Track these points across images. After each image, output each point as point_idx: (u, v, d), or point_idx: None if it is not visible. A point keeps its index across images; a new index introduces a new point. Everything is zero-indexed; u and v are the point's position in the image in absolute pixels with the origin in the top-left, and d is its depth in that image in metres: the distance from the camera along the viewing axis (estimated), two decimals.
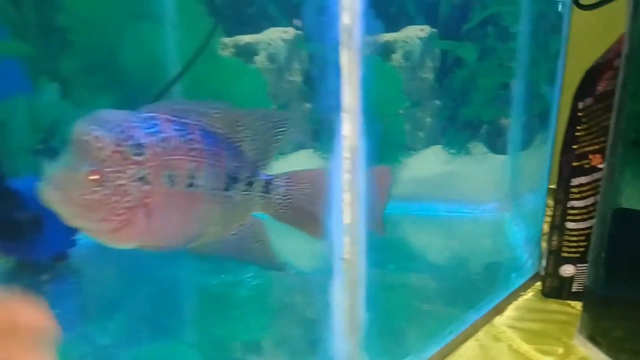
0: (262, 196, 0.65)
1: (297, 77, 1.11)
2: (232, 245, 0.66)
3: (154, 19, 1.06)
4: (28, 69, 0.98)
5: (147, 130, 0.57)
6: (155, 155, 0.56)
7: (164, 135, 0.57)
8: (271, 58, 1.08)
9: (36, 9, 0.96)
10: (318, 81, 0.56)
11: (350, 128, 0.54)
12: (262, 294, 0.82)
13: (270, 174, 0.67)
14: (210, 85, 1.05)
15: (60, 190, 0.54)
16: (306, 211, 0.67)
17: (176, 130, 0.58)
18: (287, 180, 0.67)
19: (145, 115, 0.58)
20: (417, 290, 0.82)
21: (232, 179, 0.63)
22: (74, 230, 0.94)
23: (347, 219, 0.57)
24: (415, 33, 0.90)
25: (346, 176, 0.56)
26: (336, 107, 0.53)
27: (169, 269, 0.92)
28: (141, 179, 0.56)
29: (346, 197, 0.57)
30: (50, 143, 1.02)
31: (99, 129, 0.54)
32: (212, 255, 0.68)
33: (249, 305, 0.82)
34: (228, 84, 1.06)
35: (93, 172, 0.54)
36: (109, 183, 0.55)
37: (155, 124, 0.58)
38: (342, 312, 0.61)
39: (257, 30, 1.06)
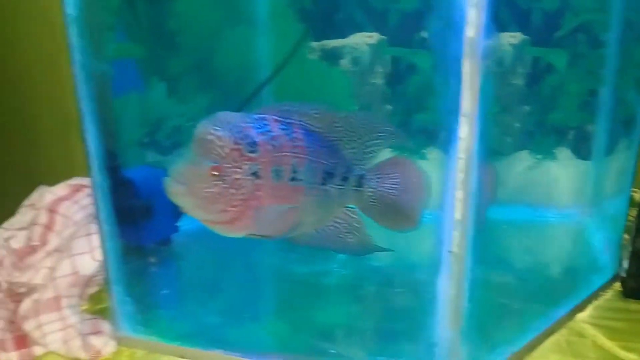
0: (355, 190, 0.71)
1: (379, 80, 1.14)
2: (328, 236, 0.72)
3: (249, 24, 1.11)
4: (141, 69, 1.05)
5: (259, 130, 0.63)
6: (266, 152, 0.63)
7: (273, 134, 0.64)
8: (355, 61, 1.11)
9: (150, 15, 1.03)
10: (439, 87, 0.61)
11: (467, 131, 0.59)
12: (368, 280, 0.87)
13: (362, 168, 0.72)
14: (298, 86, 1.09)
15: (184, 184, 0.61)
16: (394, 202, 0.72)
17: (282, 129, 0.65)
18: (377, 173, 0.72)
19: (256, 116, 0.65)
20: (507, 288, 0.86)
21: (329, 174, 0.68)
22: (177, 217, 1.02)
23: (458, 215, 0.63)
24: (507, 40, 0.94)
25: (460, 175, 0.61)
26: (455, 112, 0.58)
27: (263, 255, 0.99)
28: (254, 173, 0.62)
29: (458, 194, 0.62)
30: (156, 137, 1.11)
31: (220, 129, 0.61)
32: (309, 245, 0.73)
33: (353, 291, 0.88)
34: (314, 86, 1.10)
35: (214, 168, 0.61)
36: (227, 177, 0.61)
37: (266, 124, 0.64)
38: (447, 301, 0.66)
39: (344, 35, 1.09)
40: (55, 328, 0.80)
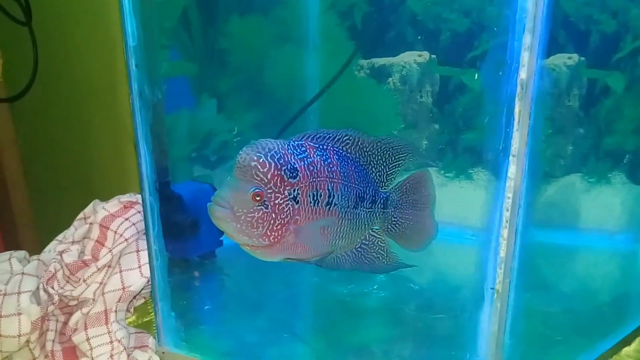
0: (381, 212, 0.73)
1: (427, 99, 1.13)
2: (357, 258, 0.74)
3: (298, 42, 1.12)
4: (194, 86, 1.09)
5: (299, 156, 0.65)
6: (305, 177, 0.65)
7: (310, 160, 0.66)
8: (404, 80, 1.10)
9: (203, 34, 1.06)
10: (489, 125, 0.60)
11: (515, 170, 0.58)
12: (407, 303, 0.87)
13: (386, 191, 0.74)
14: (345, 104, 1.10)
15: (229, 210, 0.63)
16: (413, 218, 0.75)
17: (319, 155, 0.67)
18: (398, 193, 0.75)
19: (295, 143, 0.67)
20: (551, 319, 0.84)
21: (360, 198, 0.71)
22: (222, 231, 1.04)
23: (502, 252, 0.61)
24: (563, 61, 0.91)
25: (506, 214, 0.60)
26: (505, 151, 0.57)
27: (304, 273, 1.00)
28: (293, 198, 0.64)
29: (504, 232, 0.61)
30: (204, 152, 1.13)
31: (262, 155, 0.62)
32: (339, 269, 0.74)
33: (392, 314, 0.88)
34: (361, 103, 1.10)
35: (257, 193, 0.62)
36: (268, 202, 0.63)
37: (304, 151, 0.66)
38: (489, 337, 0.65)
39: (393, 53, 1.09)
40: (103, 341, 0.83)
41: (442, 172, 1.06)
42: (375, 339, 0.85)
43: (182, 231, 0.96)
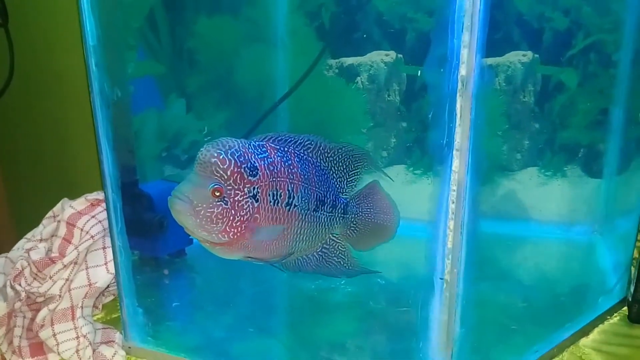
0: (342, 217, 0.76)
1: (395, 98, 1.15)
2: (318, 261, 0.77)
3: (267, 42, 1.14)
4: (161, 86, 1.09)
5: (260, 156, 0.67)
6: (265, 176, 0.66)
7: (271, 160, 0.67)
8: (371, 79, 1.12)
9: (171, 34, 1.07)
10: (433, 122, 0.63)
11: (459, 164, 0.60)
12: (360, 301, 0.89)
13: (346, 197, 0.77)
14: (314, 103, 1.12)
15: (188, 204, 0.64)
16: (371, 226, 0.78)
17: (279, 156, 0.69)
18: (357, 200, 0.78)
19: (257, 143, 0.69)
20: (507, 309, 0.86)
21: (321, 201, 0.73)
22: None
23: (449, 243, 0.64)
24: (518, 58, 0.94)
25: (452, 206, 0.62)
26: (448, 145, 0.60)
27: (273, 270, 1.01)
28: (253, 196, 0.66)
29: (450, 224, 0.63)
30: (174, 151, 1.14)
31: (223, 152, 0.64)
32: (300, 271, 0.77)
33: (348, 311, 0.90)
34: (330, 102, 1.12)
35: (217, 189, 0.64)
36: (228, 199, 0.64)
37: (265, 151, 0.68)
38: (439, 326, 0.68)
39: (361, 52, 1.10)
40: (69, 337, 0.83)
41: (411, 169, 1.09)
42: (336, 333, 0.86)
43: (151, 229, 0.96)
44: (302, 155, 0.71)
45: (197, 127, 1.12)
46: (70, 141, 1.51)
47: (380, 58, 1.11)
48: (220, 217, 0.64)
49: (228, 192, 0.64)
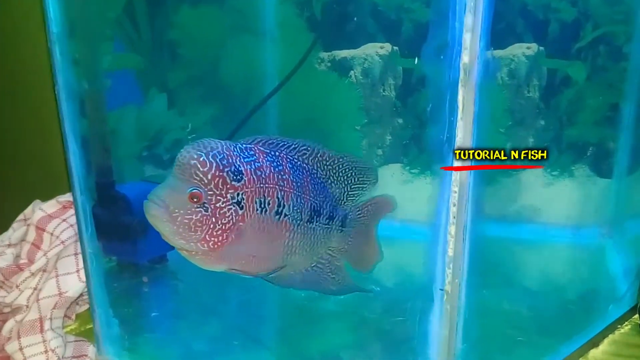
0: (339, 230, 0.69)
1: (390, 92, 1.09)
2: (311, 277, 0.70)
3: (255, 33, 1.08)
4: (140, 80, 1.04)
5: (246, 160, 0.61)
6: (251, 182, 0.60)
7: (258, 164, 0.61)
8: (365, 73, 1.07)
9: (150, 25, 1.01)
10: (433, 116, 0.56)
11: (461, 162, 0.54)
12: (353, 311, 0.83)
13: (345, 209, 0.70)
14: (305, 99, 1.06)
15: (164, 209, 0.58)
16: (366, 240, 0.71)
17: (269, 161, 0.63)
18: (358, 213, 0.71)
19: (244, 146, 0.62)
20: (512, 319, 0.80)
21: (316, 212, 0.66)
22: None
23: (450, 251, 0.57)
24: (522, 51, 0.88)
25: (453, 209, 0.56)
26: (449, 142, 0.53)
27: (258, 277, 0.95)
28: (237, 203, 0.60)
29: (451, 229, 0.56)
30: (155, 150, 1.08)
31: (204, 154, 0.58)
32: (291, 287, 0.71)
33: (340, 321, 0.83)
34: (322, 98, 1.07)
35: (194, 194, 0.58)
36: (208, 205, 0.58)
37: (252, 154, 0.62)
38: (439, 341, 0.61)
39: (354, 45, 1.06)
40: (37, 351, 0.77)
41: (407, 168, 1.04)
42: (328, 345, 0.81)
43: (129, 234, 0.90)
44: (296, 161, 0.65)
45: (179, 125, 1.08)
46: (46, 138, 1.43)
47: (374, 51, 1.06)
48: (199, 224, 0.58)
49: (209, 197, 0.58)
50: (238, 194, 0.60)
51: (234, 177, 0.59)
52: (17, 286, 0.80)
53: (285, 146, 0.65)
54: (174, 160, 0.60)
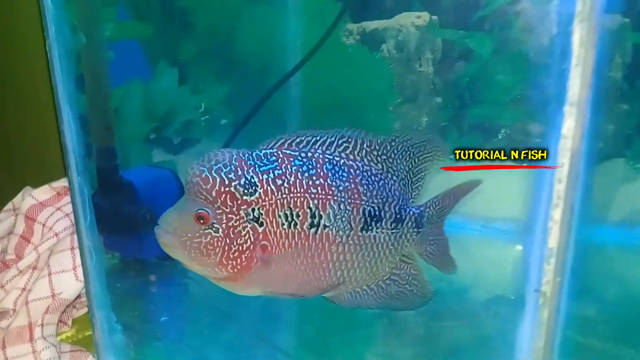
0: (415, 232, 0.58)
1: (427, 68, 1.00)
2: (385, 292, 0.60)
3: (275, 2, 1.00)
4: (148, 52, 0.95)
5: (262, 168, 0.55)
6: (269, 193, 0.54)
7: (280, 172, 0.55)
8: (400, 46, 1.00)
9: None
10: (535, 66, 0.43)
11: (573, 126, 0.41)
12: (418, 321, 0.70)
13: (420, 205, 0.59)
14: (331, 76, 0.98)
15: (172, 235, 0.54)
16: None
17: (297, 165, 0.55)
18: (438, 207, 0.59)
19: (262, 151, 0.56)
20: (615, 332, 0.67)
21: (373, 217, 0.57)
22: None
23: (553, 241, 0.45)
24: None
25: (559, 186, 0.43)
26: (558, 99, 0.41)
27: None
28: (255, 219, 0.54)
29: (555, 214, 0.44)
30: (164, 133, 0.99)
31: (207, 170, 0.54)
32: (361, 307, 0.61)
33: (394, 330, 0.71)
34: (350, 75, 0.99)
35: (201, 214, 0.53)
36: (219, 225, 0.54)
37: (274, 160, 0.55)
38: (530, 356, 0.49)
39: (387, 15, 0.98)
40: None
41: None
42: (375, 355, 0.68)
43: (135, 225, 0.82)
44: (337, 159, 0.56)
45: (191, 104, 1.01)
46: (40, 118, 1.31)
47: (410, 21, 0.99)
48: (211, 247, 0.54)
49: (218, 217, 0.54)
50: (254, 210, 0.54)
51: (245, 191, 0.54)
52: (2, 286, 0.68)
53: (320, 142, 0.56)
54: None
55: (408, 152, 0.58)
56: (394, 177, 0.57)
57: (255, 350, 0.74)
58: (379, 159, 0.57)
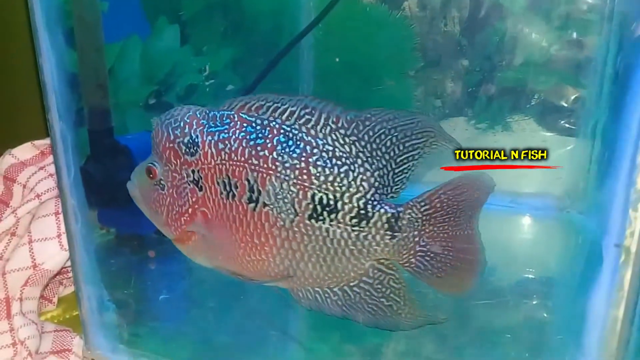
0: (388, 235, 0.48)
1: (453, 28, 0.94)
2: (352, 302, 0.52)
3: None
4: (146, 6, 0.89)
5: (210, 129, 0.52)
6: (208, 156, 0.51)
7: (226, 135, 0.51)
8: (422, 4, 0.94)
9: None
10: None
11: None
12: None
13: (397, 203, 0.48)
14: (347, 37, 0.93)
15: (133, 187, 0.56)
16: (458, 250, 0.48)
17: (247, 132, 0.51)
18: (426, 208, 0.48)
19: (220, 112, 0.52)
20: None
21: (325, 206, 0.48)
22: None
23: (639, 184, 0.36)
24: None
25: None
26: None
27: None
28: (195, 182, 0.52)
29: None
30: (165, 97, 0.93)
31: (160, 123, 0.53)
32: (321, 311, 0.54)
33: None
34: (368, 36, 0.93)
35: (149, 168, 0.54)
36: (165, 182, 0.54)
37: (226, 123, 0.52)
38: (605, 326, 0.41)
39: None
40: (1, 343, 0.59)
41: (472, 122, 0.91)
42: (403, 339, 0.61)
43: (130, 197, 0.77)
44: (294, 132, 0.49)
45: (196, 66, 0.94)
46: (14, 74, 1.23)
47: None
48: (158, 204, 0.54)
49: (165, 173, 0.53)
50: (194, 171, 0.52)
51: (187, 150, 0.52)
52: None
53: (280, 110, 0.50)
54: None
55: (388, 136, 0.47)
56: (365, 165, 0.48)
57: (259, 333, 0.68)
58: (346, 139, 0.48)
